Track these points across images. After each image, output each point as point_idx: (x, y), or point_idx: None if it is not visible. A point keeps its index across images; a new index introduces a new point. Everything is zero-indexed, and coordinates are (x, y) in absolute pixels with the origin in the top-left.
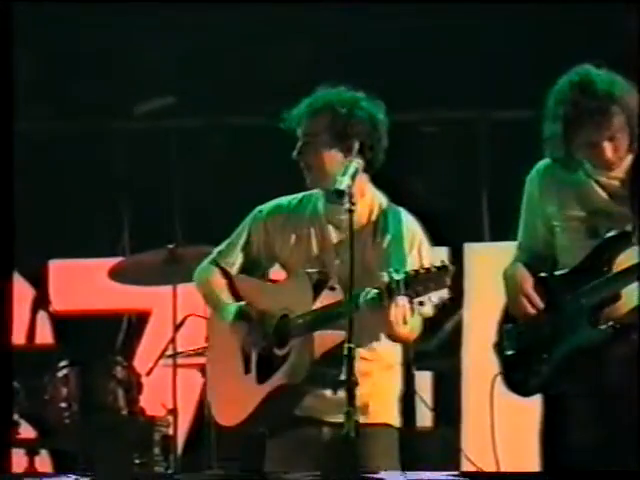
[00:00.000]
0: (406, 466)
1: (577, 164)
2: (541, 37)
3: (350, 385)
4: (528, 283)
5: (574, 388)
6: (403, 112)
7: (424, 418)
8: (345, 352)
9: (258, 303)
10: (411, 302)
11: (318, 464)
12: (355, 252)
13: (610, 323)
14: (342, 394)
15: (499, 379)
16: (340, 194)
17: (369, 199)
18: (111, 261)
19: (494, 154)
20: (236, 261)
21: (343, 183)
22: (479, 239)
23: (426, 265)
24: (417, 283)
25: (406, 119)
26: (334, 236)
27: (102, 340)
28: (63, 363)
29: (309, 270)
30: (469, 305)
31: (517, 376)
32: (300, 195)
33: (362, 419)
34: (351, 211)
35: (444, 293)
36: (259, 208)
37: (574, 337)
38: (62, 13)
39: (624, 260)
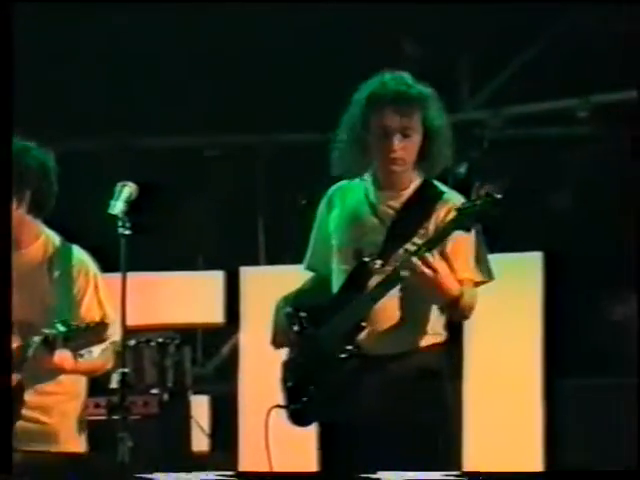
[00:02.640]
0: None
1: (361, 184)
2: (317, 59)
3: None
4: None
5: (340, 416)
6: (188, 136)
7: (200, 442)
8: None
9: None
10: (74, 353)
11: None
12: (36, 291)
13: (355, 351)
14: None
15: (276, 411)
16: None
17: (43, 240)
18: None
19: (273, 178)
20: None
21: (116, 208)
22: (255, 263)
23: (91, 313)
24: (78, 338)
25: (191, 144)
26: None
27: None
28: None
29: None
30: (245, 329)
31: (295, 407)
32: None
33: (53, 447)
34: (125, 236)
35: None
36: None
37: (330, 366)
38: None
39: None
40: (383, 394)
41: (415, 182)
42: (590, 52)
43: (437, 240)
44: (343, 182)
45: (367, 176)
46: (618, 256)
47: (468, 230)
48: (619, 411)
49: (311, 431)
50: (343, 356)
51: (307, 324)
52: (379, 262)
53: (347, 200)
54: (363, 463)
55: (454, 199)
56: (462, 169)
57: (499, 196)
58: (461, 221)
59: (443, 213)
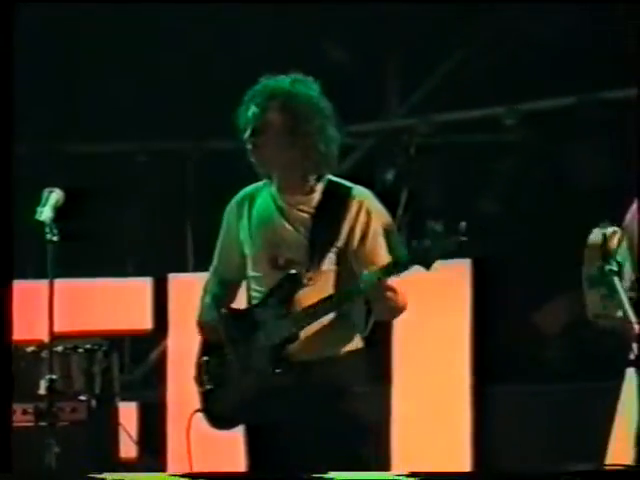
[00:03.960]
0: None
1: (267, 190)
2: (246, 65)
3: None
4: (222, 318)
5: (262, 420)
6: (117, 142)
7: (129, 449)
8: None
9: None
10: None
11: None
12: None
13: (286, 360)
14: None
15: (199, 415)
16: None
17: None
18: None
19: (202, 184)
20: None
21: (43, 214)
22: (183, 269)
23: None
24: None
25: (121, 149)
26: None
27: None
28: None
29: None
30: (173, 336)
31: (215, 410)
32: None
33: None
34: (52, 242)
35: None
36: None
37: (258, 373)
38: None
39: (302, 300)
40: (308, 398)
41: (318, 184)
42: (517, 60)
43: (397, 270)
44: (248, 188)
45: (269, 181)
46: (546, 262)
47: (428, 268)
48: (543, 415)
49: (238, 435)
50: (276, 367)
51: (236, 329)
52: (309, 276)
53: (255, 206)
54: (287, 467)
55: (362, 193)
56: (390, 175)
57: (464, 239)
58: (426, 261)
59: (355, 210)
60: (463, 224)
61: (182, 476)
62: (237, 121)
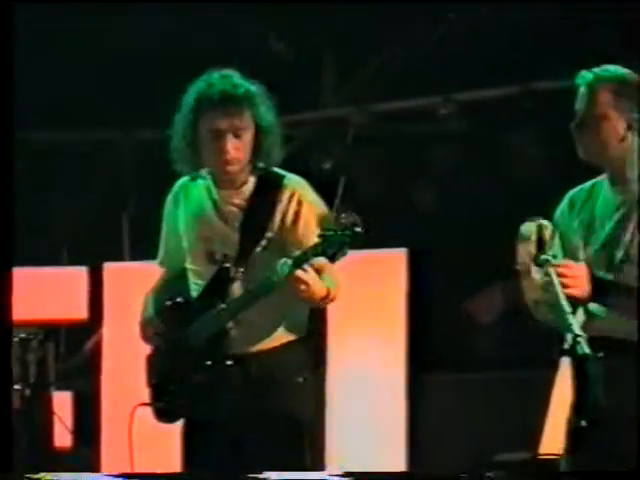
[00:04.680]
0: None
1: (202, 181)
2: (183, 56)
3: None
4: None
5: (203, 414)
6: (53, 132)
7: (63, 439)
8: None
9: None
10: None
11: None
12: None
13: (221, 353)
14: None
15: (142, 409)
16: None
17: None
18: None
19: (138, 173)
20: None
21: None
22: (119, 259)
23: None
24: None
25: (56, 138)
26: None
27: None
28: None
29: None
30: (109, 325)
31: (159, 404)
32: None
33: None
34: None
35: None
36: None
37: (195, 367)
38: None
39: (236, 293)
40: (246, 392)
41: (251, 176)
42: (453, 50)
43: (301, 261)
44: (186, 178)
45: (206, 173)
46: (482, 251)
47: (331, 259)
48: (479, 404)
49: (176, 428)
50: (209, 361)
51: (175, 322)
52: (241, 270)
53: (191, 198)
54: (227, 461)
55: (294, 182)
56: (327, 165)
57: (361, 230)
58: (325, 249)
59: (287, 199)
60: (354, 216)
61: (117, 476)
62: (175, 125)
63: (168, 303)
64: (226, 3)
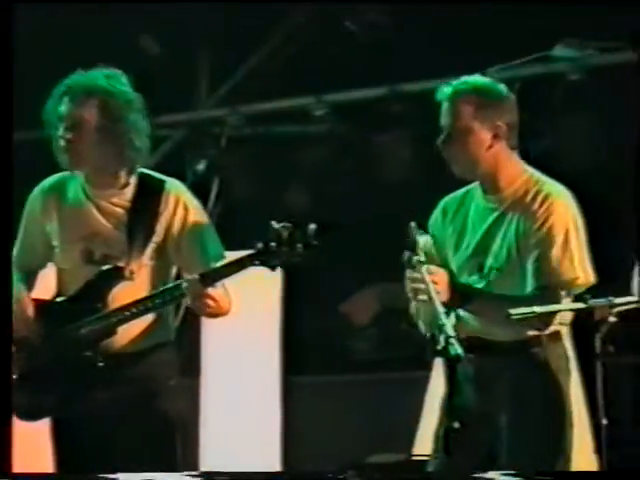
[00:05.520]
0: None
1: (77, 180)
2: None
3: None
4: (28, 307)
5: (70, 413)
6: None
7: None
8: None
9: None
10: None
11: None
12: None
13: (101, 353)
14: None
15: None
16: None
17: None
18: None
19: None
20: None
21: None
22: None
23: None
24: None
25: None
26: None
27: None
28: None
29: None
30: None
31: (20, 402)
32: None
33: None
34: None
35: None
36: None
37: (67, 366)
38: None
39: (120, 295)
40: (117, 392)
41: (131, 177)
42: (326, 51)
43: (227, 273)
44: (55, 178)
45: (79, 173)
46: (356, 253)
47: (273, 269)
48: (353, 406)
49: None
50: (89, 362)
51: (43, 321)
52: (126, 274)
53: (66, 197)
54: (95, 461)
55: (177, 187)
56: (201, 166)
57: (316, 243)
58: (268, 261)
59: (172, 205)
60: (312, 227)
61: None
62: (45, 115)
63: (29, 301)
64: (100, 3)
